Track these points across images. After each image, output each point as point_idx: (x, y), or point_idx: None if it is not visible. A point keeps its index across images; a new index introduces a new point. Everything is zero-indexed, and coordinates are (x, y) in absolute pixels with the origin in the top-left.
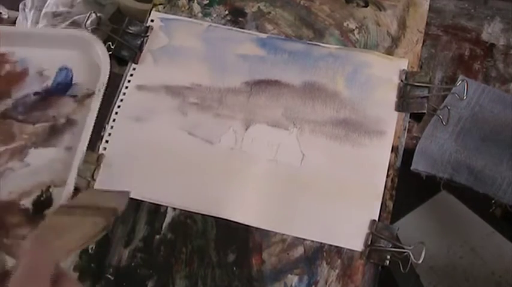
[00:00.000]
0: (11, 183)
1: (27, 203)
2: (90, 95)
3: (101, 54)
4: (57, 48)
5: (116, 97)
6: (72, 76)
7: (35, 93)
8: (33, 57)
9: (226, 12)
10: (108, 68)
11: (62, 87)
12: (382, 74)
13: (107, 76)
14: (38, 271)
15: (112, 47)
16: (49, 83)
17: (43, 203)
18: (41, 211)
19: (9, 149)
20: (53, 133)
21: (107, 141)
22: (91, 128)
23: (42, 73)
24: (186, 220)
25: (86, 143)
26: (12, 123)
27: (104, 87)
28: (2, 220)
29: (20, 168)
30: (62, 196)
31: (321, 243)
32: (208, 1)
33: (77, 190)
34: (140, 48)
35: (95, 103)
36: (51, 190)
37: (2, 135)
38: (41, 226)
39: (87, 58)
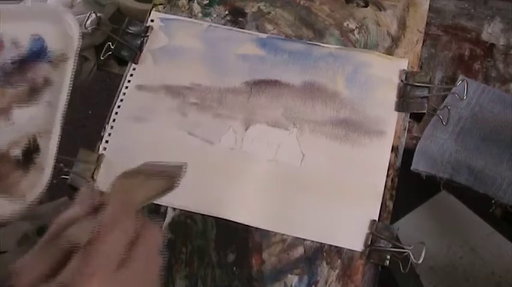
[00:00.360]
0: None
1: (17, 153)
2: (63, 59)
3: (73, 25)
4: (30, 21)
5: (116, 97)
6: (45, 43)
7: (12, 62)
8: (7, 30)
9: (226, 12)
10: (79, 35)
11: (36, 54)
12: (382, 74)
13: (78, 42)
14: (126, 208)
15: (112, 47)
16: (24, 50)
17: (31, 151)
18: (31, 160)
19: None
20: (33, 93)
21: (106, 142)
22: (68, 83)
23: (17, 43)
24: (186, 220)
25: (65, 98)
26: None
27: (75, 52)
28: None
29: (5, 126)
30: (48, 145)
31: (321, 243)
32: (208, 1)
33: (76, 189)
34: (140, 48)
35: (69, 65)
36: (38, 140)
37: None
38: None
39: (60, 29)
